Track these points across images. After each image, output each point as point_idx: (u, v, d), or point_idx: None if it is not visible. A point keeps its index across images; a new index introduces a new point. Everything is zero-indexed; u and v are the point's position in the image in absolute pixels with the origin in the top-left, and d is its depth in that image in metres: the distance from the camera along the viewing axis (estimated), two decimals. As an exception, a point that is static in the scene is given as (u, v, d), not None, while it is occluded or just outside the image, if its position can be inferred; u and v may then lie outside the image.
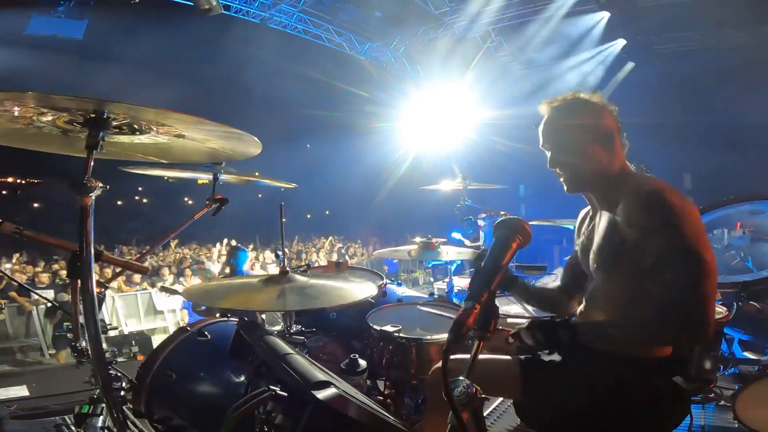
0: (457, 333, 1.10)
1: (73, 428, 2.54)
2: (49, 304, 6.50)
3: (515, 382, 1.60)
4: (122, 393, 1.92)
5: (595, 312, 1.67)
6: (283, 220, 2.09)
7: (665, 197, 1.43)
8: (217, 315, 2.40)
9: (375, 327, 2.36)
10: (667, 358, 1.54)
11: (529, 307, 2.90)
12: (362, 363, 2.16)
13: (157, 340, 6.55)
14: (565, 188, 1.69)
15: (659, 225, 1.41)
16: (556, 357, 1.62)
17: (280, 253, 2.06)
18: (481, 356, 1.12)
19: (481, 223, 3.98)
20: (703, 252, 1.39)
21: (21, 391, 3.25)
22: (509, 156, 10.40)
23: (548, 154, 1.70)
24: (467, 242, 3.80)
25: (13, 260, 8.25)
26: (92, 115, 1.33)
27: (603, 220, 1.62)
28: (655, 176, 1.64)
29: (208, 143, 1.65)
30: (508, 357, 1.66)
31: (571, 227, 1.99)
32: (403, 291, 3.25)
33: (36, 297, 6.76)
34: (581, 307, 1.74)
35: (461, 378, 1.04)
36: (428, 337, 2.31)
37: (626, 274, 1.52)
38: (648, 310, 1.44)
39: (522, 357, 1.64)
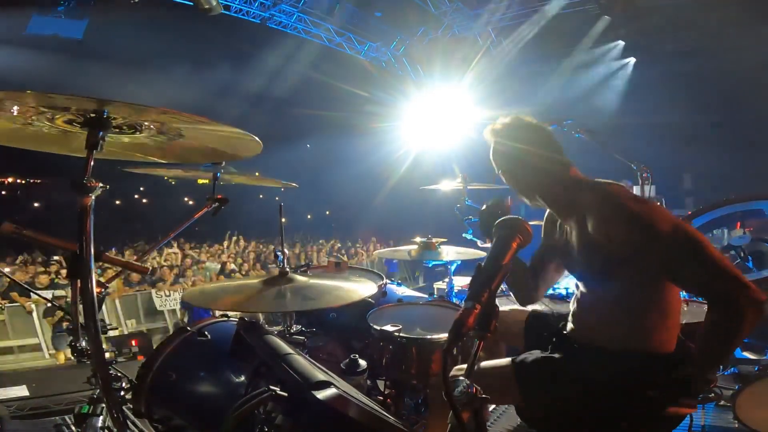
0: (458, 333, 1.10)
1: (73, 428, 2.54)
2: (49, 304, 6.50)
3: (513, 388, 1.61)
4: (122, 393, 1.92)
5: (588, 315, 1.68)
6: (283, 220, 2.09)
7: (631, 208, 1.49)
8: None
9: (375, 327, 2.35)
10: (669, 353, 1.54)
11: (530, 308, 2.90)
12: (362, 363, 2.16)
13: (157, 340, 6.55)
14: (529, 203, 1.79)
15: (643, 238, 1.45)
16: (556, 356, 1.63)
17: (279, 253, 2.06)
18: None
19: None
20: (685, 230, 1.44)
21: (21, 391, 3.24)
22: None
23: (504, 179, 1.80)
24: (479, 243, 3.77)
25: (18, 260, 8.25)
26: (92, 115, 1.33)
27: (574, 233, 1.65)
28: (615, 179, 1.70)
29: (208, 143, 1.65)
30: (505, 362, 1.67)
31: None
32: (403, 291, 3.25)
33: (36, 297, 6.76)
34: (573, 309, 1.75)
35: (462, 378, 1.04)
36: (428, 336, 2.31)
37: (621, 282, 1.54)
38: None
39: (521, 361, 1.64)
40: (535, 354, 1.68)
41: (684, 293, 2.52)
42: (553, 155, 1.71)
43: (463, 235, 3.82)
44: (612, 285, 1.56)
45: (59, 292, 6.84)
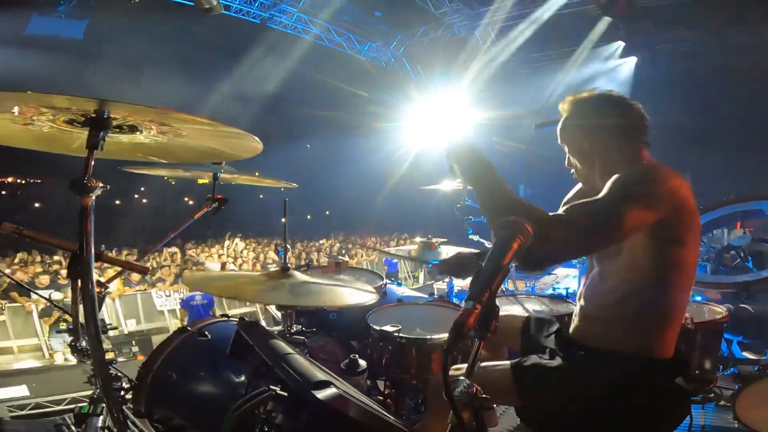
0: (458, 333, 1.09)
1: (73, 428, 2.55)
2: (49, 304, 6.49)
3: (512, 390, 1.61)
4: (122, 393, 1.92)
5: (592, 299, 1.67)
6: (284, 219, 2.08)
7: (659, 168, 1.49)
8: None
9: (375, 327, 2.35)
10: (668, 359, 1.54)
11: (531, 308, 2.90)
12: (362, 363, 2.16)
13: (157, 340, 6.55)
14: (581, 183, 1.75)
15: (628, 174, 1.48)
16: (555, 360, 1.63)
17: (281, 249, 2.06)
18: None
19: None
20: (625, 220, 1.41)
21: (21, 390, 3.25)
22: (509, 156, 10.40)
23: (566, 149, 1.73)
24: (486, 243, 3.75)
25: (16, 259, 8.25)
26: (93, 115, 1.33)
27: None
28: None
29: (208, 143, 1.65)
30: (505, 364, 1.67)
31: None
32: (403, 291, 3.25)
33: (36, 297, 6.76)
34: (577, 308, 1.75)
35: (462, 378, 1.04)
36: (428, 337, 2.31)
37: (622, 264, 1.53)
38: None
39: (519, 363, 1.65)
40: (533, 358, 1.68)
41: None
42: (626, 138, 1.65)
43: (470, 236, 3.79)
44: (617, 268, 1.55)
45: (56, 296, 6.81)
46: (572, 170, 1.77)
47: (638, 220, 1.42)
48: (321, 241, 13.15)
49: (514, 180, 12.60)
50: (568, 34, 10.21)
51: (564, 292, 4.37)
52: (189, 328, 2.07)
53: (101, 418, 1.78)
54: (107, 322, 2.06)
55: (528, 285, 5.76)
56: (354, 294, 1.91)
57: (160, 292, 8.04)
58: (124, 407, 1.93)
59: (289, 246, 1.98)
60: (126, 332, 7.29)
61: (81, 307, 1.42)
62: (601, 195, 1.46)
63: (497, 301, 1.16)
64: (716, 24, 8.89)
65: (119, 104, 1.27)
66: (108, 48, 9.75)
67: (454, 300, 3.37)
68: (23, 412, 2.90)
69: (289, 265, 1.95)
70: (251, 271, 2.23)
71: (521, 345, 1.94)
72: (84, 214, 1.36)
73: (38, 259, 8.47)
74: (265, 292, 1.82)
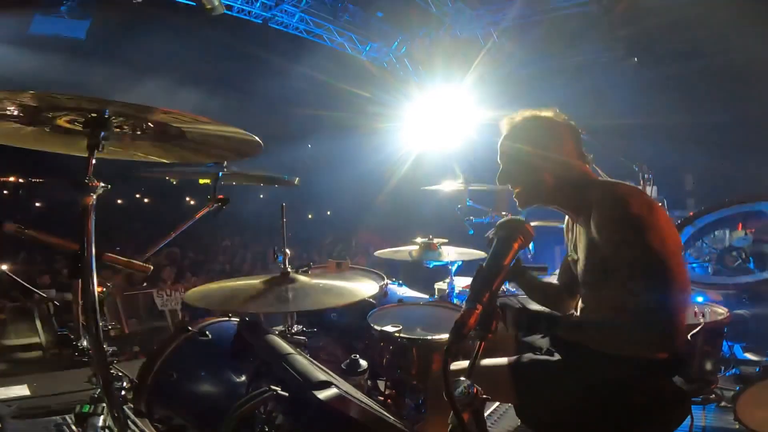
0: (459, 334, 1.10)
1: (73, 428, 2.55)
2: (51, 304, 6.49)
3: (511, 388, 1.61)
4: (123, 393, 1.92)
5: (586, 306, 1.67)
6: (284, 220, 2.08)
7: (629, 207, 1.45)
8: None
9: (376, 327, 2.36)
10: (668, 359, 1.54)
11: (531, 308, 2.90)
12: (363, 363, 2.16)
13: (158, 340, 6.52)
14: (517, 203, 1.74)
15: (624, 237, 1.43)
16: (554, 358, 1.63)
17: (280, 254, 2.06)
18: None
19: None
20: (668, 260, 1.40)
21: (22, 390, 3.25)
22: (511, 156, 10.36)
23: (502, 167, 1.74)
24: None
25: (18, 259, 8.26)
26: (93, 115, 1.33)
27: (582, 235, 1.64)
28: (625, 180, 1.67)
29: (209, 143, 1.65)
30: (504, 361, 1.66)
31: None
32: (404, 291, 3.25)
33: (38, 296, 6.76)
34: (576, 314, 1.75)
35: (462, 378, 1.04)
36: (429, 337, 2.30)
37: (612, 288, 1.52)
38: (626, 317, 1.44)
39: (517, 361, 1.64)
40: (530, 355, 1.68)
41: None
42: (564, 157, 1.65)
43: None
44: (607, 292, 1.54)
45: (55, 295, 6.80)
46: (509, 185, 1.76)
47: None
48: (322, 242, 13.14)
49: (515, 180, 12.53)
50: (569, 34, 10.20)
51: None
52: (190, 328, 2.07)
53: (101, 417, 1.78)
54: (107, 321, 2.06)
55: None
56: (357, 289, 1.91)
57: (161, 292, 8.03)
58: (124, 407, 1.93)
59: (288, 251, 1.98)
60: (127, 332, 7.29)
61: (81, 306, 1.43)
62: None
63: (498, 302, 1.16)
64: (718, 24, 8.86)
65: (120, 104, 1.27)
66: (110, 48, 9.77)
67: (455, 300, 3.37)
68: (24, 412, 2.90)
69: (289, 269, 1.95)
70: (251, 277, 2.21)
71: (516, 339, 1.94)
72: (85, 214, 1.36)
73: (39, 259, 8.47)
74: (271, 302, 1.82)
